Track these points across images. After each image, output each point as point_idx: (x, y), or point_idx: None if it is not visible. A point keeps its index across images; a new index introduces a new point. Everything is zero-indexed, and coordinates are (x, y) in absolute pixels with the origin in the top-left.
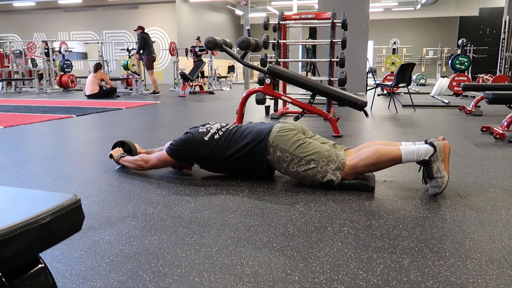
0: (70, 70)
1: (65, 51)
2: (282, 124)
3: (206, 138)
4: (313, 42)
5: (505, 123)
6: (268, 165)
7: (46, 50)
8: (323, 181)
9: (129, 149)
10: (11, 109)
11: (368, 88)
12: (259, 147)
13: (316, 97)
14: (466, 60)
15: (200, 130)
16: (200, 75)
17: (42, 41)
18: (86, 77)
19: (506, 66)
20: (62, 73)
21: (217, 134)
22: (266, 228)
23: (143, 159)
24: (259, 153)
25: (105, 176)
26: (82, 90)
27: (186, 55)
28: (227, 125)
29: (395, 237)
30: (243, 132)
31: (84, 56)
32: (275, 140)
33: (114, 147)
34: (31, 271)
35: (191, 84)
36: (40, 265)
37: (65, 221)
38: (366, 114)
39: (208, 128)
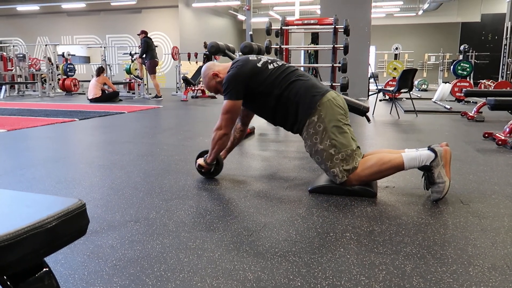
0: (73, 74)
1: (68, 55)
2: (335, 95)
3: (259, 65)
4: (315, 47)
5: (508, 129)
6: (303, 122)
7: (49, 58)
8: (329, 170)
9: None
10: (14, 112)
11: (370, 93)
12: (308, 102)
13: None
14: (468, 66)
15: (250, 58)
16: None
17: (46, 45)
18: (89, 81)
19: (508, 72)
20: (65, 77)
21: (271, 64)
22: (269, 233)
23: (215, 129)
24: (304, 108)
25: (108, 180)
26: (84, 94)
27: (189, 59)
28: (279, 60)
29: (398, 243)
30: (299, 76)
31: (87, 60)
32: (322, 104)
33: (196, 159)
34: (36, 275)
35: (193, 88)
36: (45, 269)
37: (71, 226)
38: (368, 120)
39: (259, 57)
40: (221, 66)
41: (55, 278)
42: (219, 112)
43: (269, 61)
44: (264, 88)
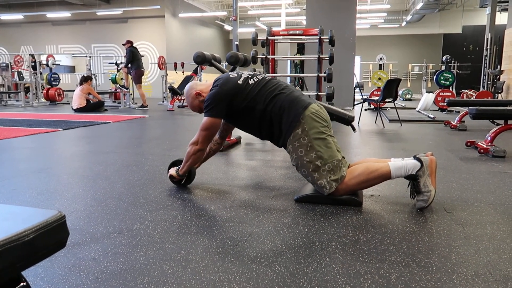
0: (57, 83)
1: (53, 64)
2: (318, 108)
3: (240, 82)
4: (301, 57)
5: (489, 138)
6: (287, 135)
7: (33, 63)
8: (316, 182)
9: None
10: None
11: (355, 103)
12: (292, 115)
13: None
14: (450, 76)
15: (231, 76)
16: None
17: (29, 54)
18: (74, 91)
19: (489, 82)
20: (49, 86)
21: (251, 79)
22: (254, 244)
23: (191, 144)
24: (288, 121)
25: (91, 191)
26: (69, 103)
27: (175, 69)
28: (259, 73)
29: (383, 251)
30: (282, 90)
31: (72, 69)
32: (305, 117)
33: (169, 168)
34: None
35: (179, 98)
36: (22, 284)
37: (49, 238)
38: (354, 129)
39: (240, 73)
40: (204, 85)
41: None
42: None
43: (249, 76)
44: (247, 104)
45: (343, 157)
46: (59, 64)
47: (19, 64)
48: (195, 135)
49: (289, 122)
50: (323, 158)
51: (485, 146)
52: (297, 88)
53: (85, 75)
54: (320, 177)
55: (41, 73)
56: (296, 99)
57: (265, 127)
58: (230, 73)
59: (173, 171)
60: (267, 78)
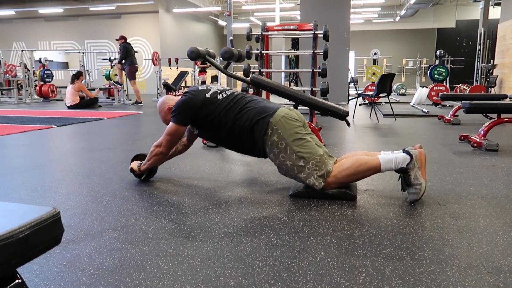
0: (50, 80)
1: (46, 60)
2: (288, 111)
3: (208, 96)
4: (296, 52)
5: (482, 132)
6: (263, 145)
7: (25, 64)
8: (305, 182)
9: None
10: None
11: (350, 98)
12: (260, 124)
13: (299, 107)
14: (444, 70)
15: (200, 88)
16: (184, 85)
17: (22, 50)
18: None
19: (482, 76)
20: (42, 83)
21: (220, 94)
22: (249, 239)
23: (155, 145)
24: (258, 131)
25: (86, 187)
26: (62, 100)
27: (169, 65)
28: (229, 89)
29: (377, 245)
30: (248, 102)
31: (65, 65)
32: (277, 123)
33: (131, 160)
34: (8, 287)
35: (174, 94)
36: (17, 281)
37: (44, 235)
38: (348, 124)
39: (208, 87)
40: (176, 100)
41: None
42: None
43: (219, 91)
44: (214, 118)
45: (326, 151)
46: (52, 61)
47: (11, 74)
48: (161, 137)
49: (261, 132)
50: (304, 158)
51: (478, 140)
52: (292, 82)
53: (75, 72)
54: (307, 176)
55: (33, 70)
56: (262, 109)
57: (235, 140)
58: (199, 86)
59: (134, 165)
60: (235, 93)
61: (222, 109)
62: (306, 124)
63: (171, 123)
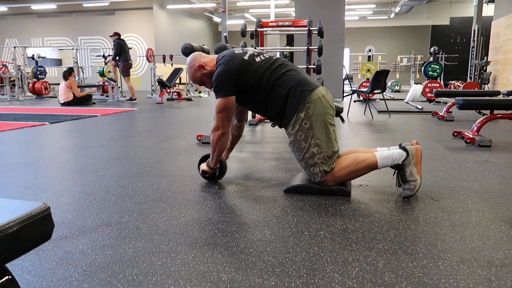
0: (43, 76)
1: (38, 57)
2: (325, 93)
3: (246, 58)
4: (290, 49)
5: (475, 128)
6: (290, 116)
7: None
8: (308, 168)
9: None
10: None
11: (344, 94)
12: (297, 97)
13: None
14: (438, 67)
15: (236, 52)
16: (178, 82)
17: (14, 47)
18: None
19: (475, 73)
20: (35, 79)
21: (257, 57)
22: (243, 234)
23: (212, 131)
24: (292, 101)
25: (79, 184)
26: (56, 97)
27: (164, 61)
28: (265, 52)
29: (370, 240)
30: (289, 71)
31: (58, 62)
32: (312, 102)
33: (199, 165)
34: None
35: (168, 90)
36: (7, 277)
37: (34, 230)
38: (343, 120)
39: (245, 50)
40: (208, 57)
41: (19, 286)
42: (195, 115)
43: (255, 53)
44: (254, 82)
45: (338, 150)
46: (45, 57)
47: (5, 74)
48: (214, 121)
49: (294, 103)
50: (320, 146)
51: (471, 136)
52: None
53: (66, 69)
54: (314, 164)
55: (26, 65)
56: (303, 82)
57: (271, 105)
58: (235, 49)
59: (204, 165)
60: (274, 57)
61: (262, 72)
62: (334, 113)
63: (218, 100)
